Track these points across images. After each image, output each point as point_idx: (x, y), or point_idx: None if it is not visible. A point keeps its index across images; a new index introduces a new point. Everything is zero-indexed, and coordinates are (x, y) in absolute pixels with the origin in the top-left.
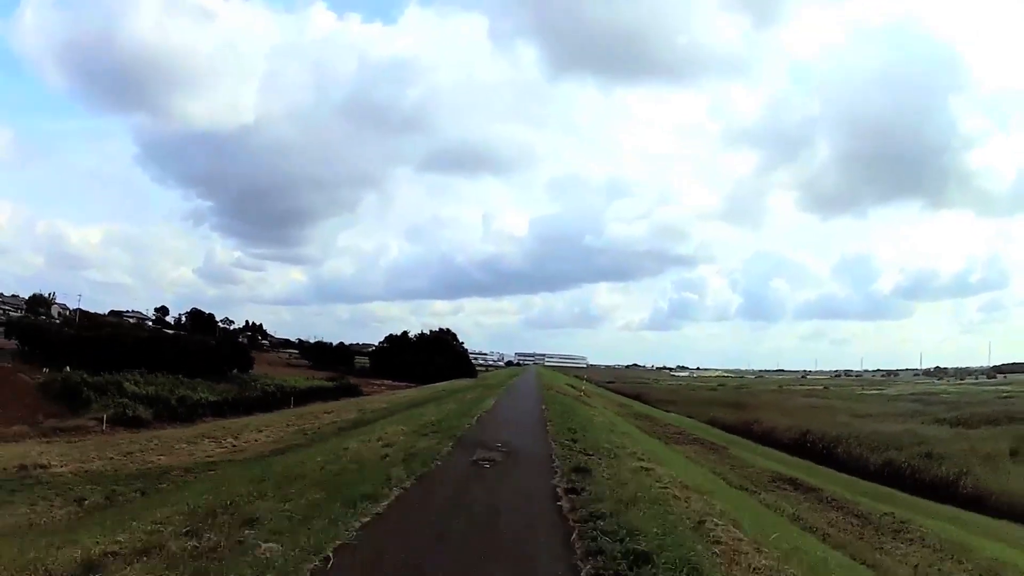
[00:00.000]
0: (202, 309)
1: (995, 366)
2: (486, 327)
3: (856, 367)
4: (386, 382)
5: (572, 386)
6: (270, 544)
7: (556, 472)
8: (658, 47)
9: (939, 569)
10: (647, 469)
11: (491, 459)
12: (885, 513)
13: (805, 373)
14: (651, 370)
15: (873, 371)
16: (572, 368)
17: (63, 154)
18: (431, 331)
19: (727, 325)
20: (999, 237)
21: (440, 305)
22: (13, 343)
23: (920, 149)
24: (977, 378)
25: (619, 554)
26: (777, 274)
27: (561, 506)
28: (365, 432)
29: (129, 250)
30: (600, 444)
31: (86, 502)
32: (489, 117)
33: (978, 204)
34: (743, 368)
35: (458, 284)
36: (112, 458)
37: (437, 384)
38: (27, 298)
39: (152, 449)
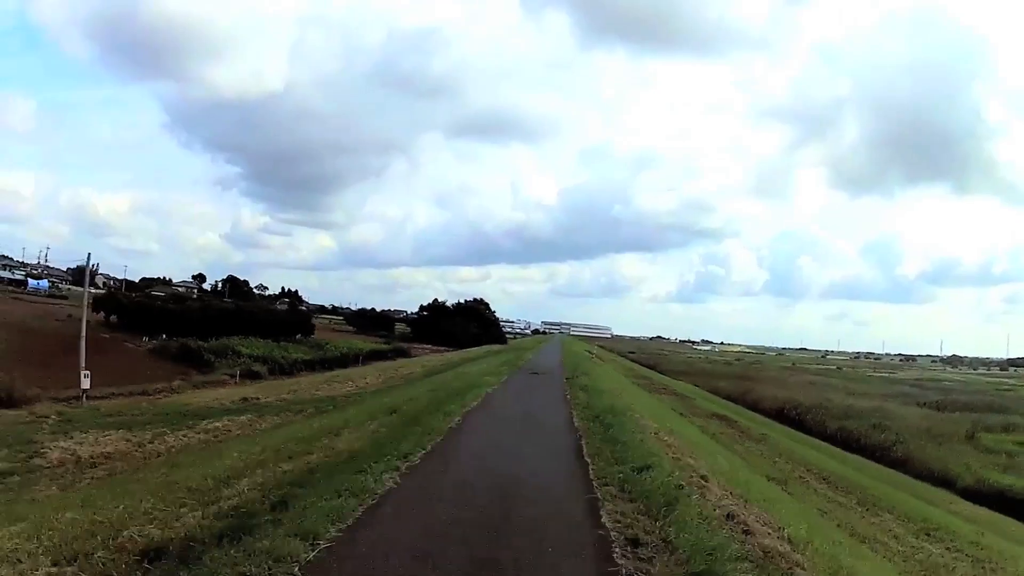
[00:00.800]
0: (233, 275)
1: (1010, 359)
2: (513, 295)
3: (878, 350)
4: (426, 346)
5: (588, 351)
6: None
7: (566, 379)
8: (688, 19)
9: (760, 452)
10: (617, 394)
11: (536, 372)
12: (763, 433)
13: (825, 353)
14: (675, 343)
15: (893, 355)
16: (596, 338)
17: (89, 123)
18: (466, 300)
19: (753, 301)
20: (1023, 228)
21: (467, 272)
22: (100, 315)
23: (946, 134)
24: (989, 369)
25: (594, 413)
26: (803, 252)
27: (566, 391)
28: (446, 375)
29: (156, 217)
30: (592, 375)
31: (304, 412)
32: (518, 85)
33: (1002, 192)
34: (767, 345)
35: (485, 251)
36: (290, 393)
37: (475, 348)
38: (69, 269)
39: (306, 389)
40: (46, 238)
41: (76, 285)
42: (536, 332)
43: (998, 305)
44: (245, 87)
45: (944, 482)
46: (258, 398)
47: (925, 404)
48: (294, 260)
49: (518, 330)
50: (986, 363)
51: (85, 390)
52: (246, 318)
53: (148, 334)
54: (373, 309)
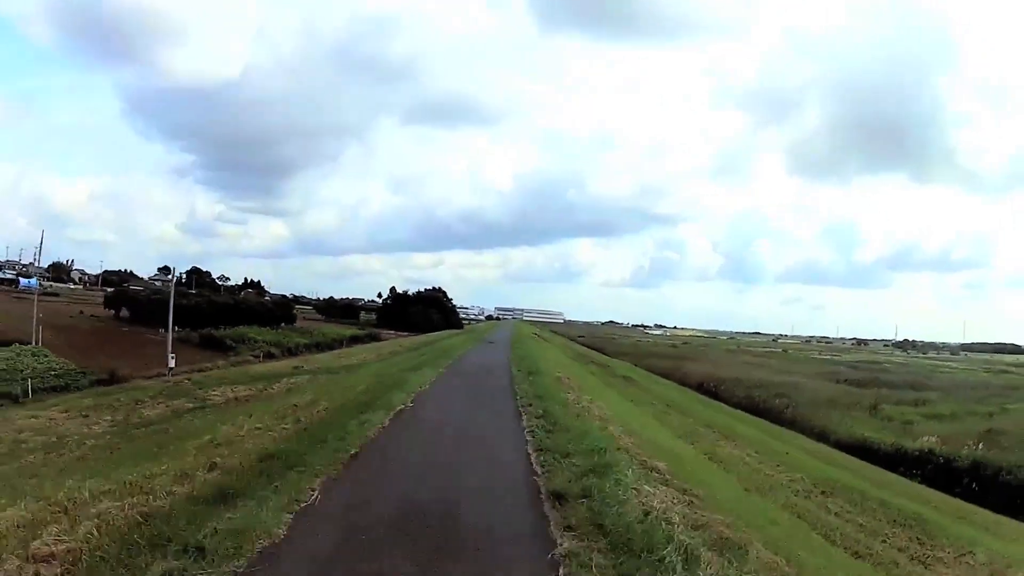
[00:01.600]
0: (196, 267)
1: (964, 344)
2: (467, 281)
3: (832, 334)
4: (392, 332)
5: (535, 333)
6: (425, 369)
7: (511, 348)
8: (649, 3)
9: (640, 396)
10: (543, 357)
11: (492, 342)
12: (649, 388)
13: (776, 337)
14: (627, 327)
15: (847, 339)
16: (549, 323)
17: (45, 111)
18: (426, 289)
19: (708, 285)
20: (983, 217)
21: (421, 258)
22: (110, 312)
23: (907, 122)
24: (939, 353)
25: (524, 369)
26: (760, 237)
27: (509, 354)
28: (427, 348)
29: (112, 206)
30: (529, 348)
31: (339, 373)
32: (477, 70)
33: (963, 182)
34: (722, 329)
35: (439, 237)
36: (320, 364)
37: (439, 332)
38: (48, 266)
39: (325, 362)
40: (3, 230)
41: (56, 282)
42: (489, 318)
43: (956, 291)
44: (202, 73)
45: (821, 437)
46: (302, 366)
47: (846, 381)
48: (249, 249)
49: (472, 316)
50: (938, 348)
51: (171, 368)
52: (244, 310)
53: (163, 327)
54: (340, 298)
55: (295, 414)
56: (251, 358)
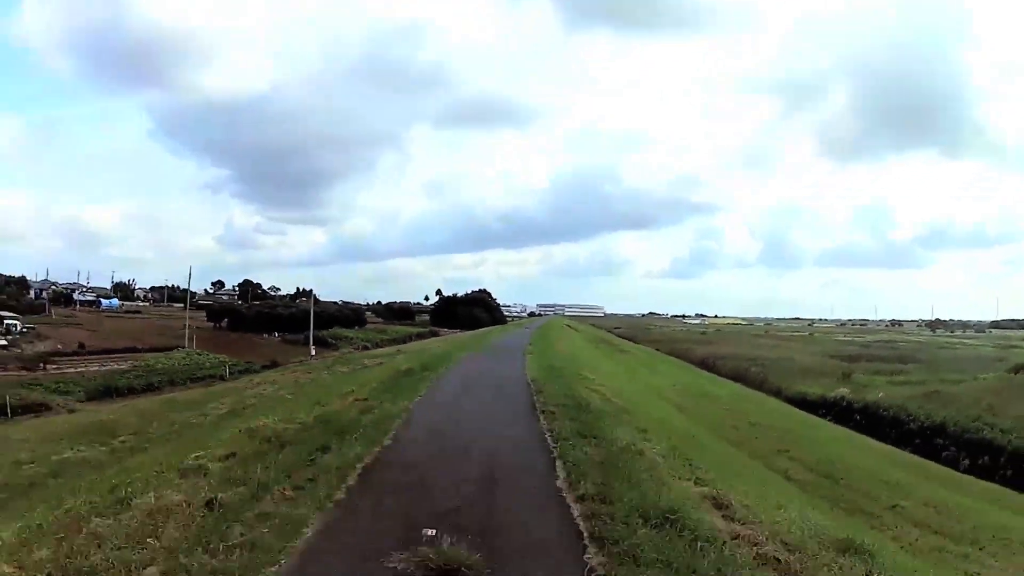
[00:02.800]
0: (248, 279)
1: (994, 321)
2: (508, 279)
3: (871, 316)
4: (446, 329)
5: (567, 324)
6: (471, 348)
7: (538, 332)
8: None
9: (634, 362)
10: (558, 341)
11: (527, 328)
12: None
13: (812, 322)
14: (666, 318)
15: (882, 321)
16: (588, 317)
17: (77, 137)
18: (473, 291)
19: (747, 272)
20: (1016, 190)
21: (462, 258)
22: (209, 322)
23: (933, 99)
24: (964, 331)
25: (540, 345)
26: (795, 222)
27: (535, 335)
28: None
29: (148, 225)
30: (552, 333)
31: (418, 352)
32: (505, 72)
33: (994, 155)
34: (761, 316)
35: (479, 237)
36: (404, 349)
37: (484, 328)
38: (111, 285)
39: (414, 349)
40: (40, 254)
41: (125, 300)
42: (532, 314)
43: (992, 268)
44: (231, 90)
45: (776, 393)
46: (400, 350)
47: (839, 356)
48: (289, 258)
49: (515, 313)
50: (969, 326)
51: (312, 355)
52: (327, 317)
53: (265, 332)
54: (391, 302)
55: (407, 365)
56: (352, 350)
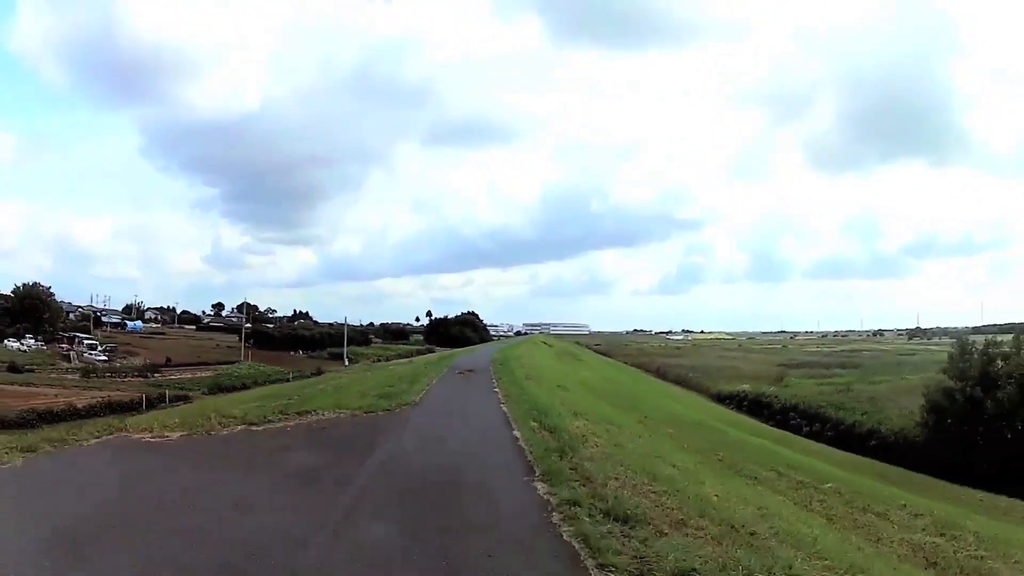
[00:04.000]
0: (247, 301)
1: (975, 327)
2: (495, 298)
3: (857, 327)
4: (437, 348)
5: (543, 341)
6: (461, 355)
7: (510, 347)
8: (659, 12)
9: (581, 366)
10: (521, 351)
11: (504, 345)
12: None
13: (794, 335)
14: (651, 335)
15: (867, 331)
16: (574, 335)
17: (65, 151)
18: (462, 313)
19: (735, 287)
20: (1003, 198)
21: (449, 278)
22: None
23: (920, 109)
24: (940, 339)
25: (506, 354)
26: (783, 234)
27: (505, 350)
28: (468, 351)
29: (136, 243)
30: (521, 347)
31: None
32: (493, 88)
33: (981, 164)
34: (748, 330)
35: (467, 256)
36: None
37: (472, 345)
38: (122, 308)
39: (419, 362)
40: (28, 271)
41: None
42: (518, 333)
43: (977, 275)
44: (221, 107)
45: (702, 391)
46: (412, 360)
47: (783, 364)
48: (276, 278)
49: (501, 332)
50: (948, 333)
51: (346, 365)
52: (337, 338)
53: (291, 350)
54: (384, 323)
55: (415, 367)
56: (370, 362)
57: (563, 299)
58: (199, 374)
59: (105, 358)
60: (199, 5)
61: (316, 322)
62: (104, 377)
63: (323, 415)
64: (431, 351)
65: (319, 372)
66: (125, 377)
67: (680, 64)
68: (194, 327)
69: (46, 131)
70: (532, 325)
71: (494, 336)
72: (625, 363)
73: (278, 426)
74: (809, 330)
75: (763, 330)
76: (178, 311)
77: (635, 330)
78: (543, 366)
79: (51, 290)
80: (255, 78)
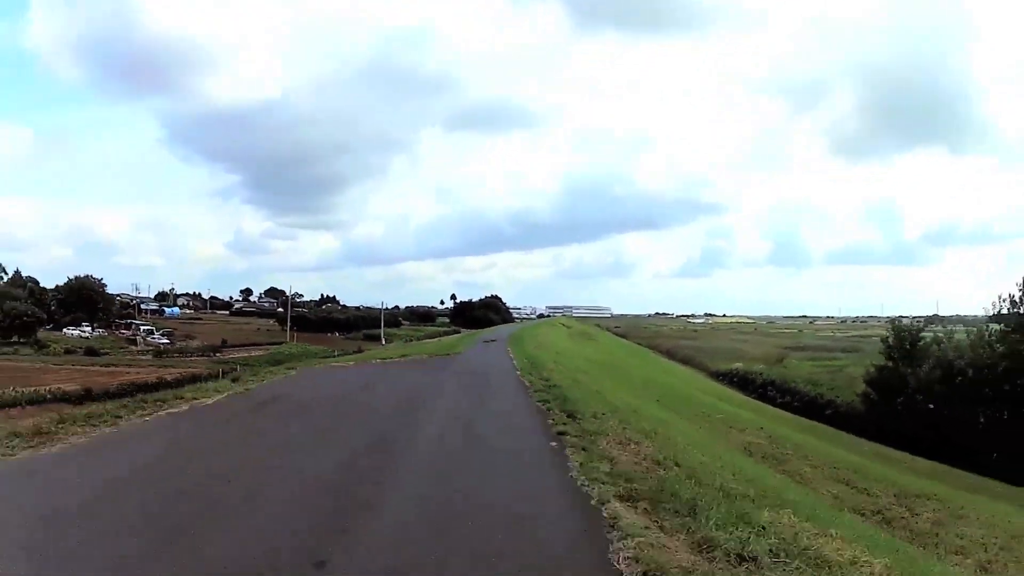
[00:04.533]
0: (273, 287)
1: (993, 315)
2: (518, 281)
3: (878, 313)
4: (463, 329)
5: (562, 323)
6: (483, 332)
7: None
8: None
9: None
10: (538, 330)
11: (524, 326)
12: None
13: (813, 320)
14: (672, 318)
15: (886, 318)
16: (596, 318)
17: (87, 145)
18: (485, 296)
19: (757, 271)
20: (1022, 187)
21: (473, 261)
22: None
23: (939, 97)
24: (955, 327)
25: (523, 333)
26: (805, 220)
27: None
28: (492, 330)
29: (158, 231)
30: (539, 327)
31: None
32: (514, 75)
33: (999, 152)
34: (770, 315)
35: (490, 239)
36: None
37: (495, 326)
38: (155, 295)
39: (456, 338)
40: (49, 262)
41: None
42: (541, 316)
43: (997, 263)
44: (241, 96)
45: (703, 369)
46: (440, 340)
47: (787, 347)
48: (299, 262)
49: (524, 315)
50: (965, 321)
51: (384, 344)
52: (369, 320)
53: (327, 332)
54: (419, 307)
55: (452, 340)
56: (404, 342)
57: (586, 281)
58: (253, 353)
59: (168, 341)
60: None
61: (344, 306)
62: (174, 357)
63: (417, 357)
64: (456, 332)
65: (359, 351)
66: (191, 356)
67: (701, 51)
68: (227, 312)
69: (65, 125)
70: (555, 308)
71: (516, 318)
72: (639, 344)
73: (400, 361)
74: (830, 315)
75: (785, 314)
76: (205, 297)
77: (656, 313)
78: (553, 343)
79: (103, 281)
80: (276, 67)
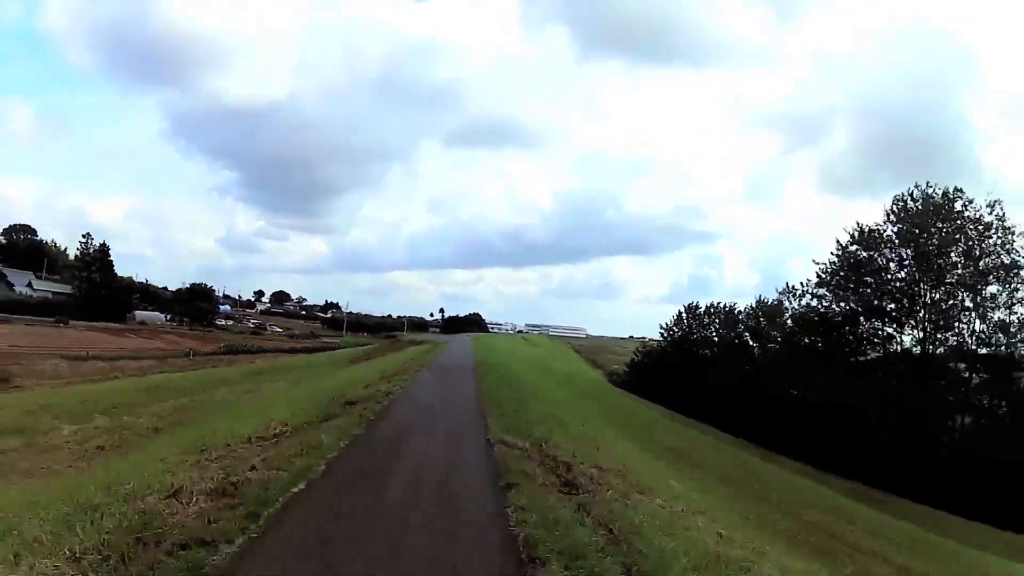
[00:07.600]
0: (281, 291)
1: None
2: (506, 296)
3: None
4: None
5: (524, 337)
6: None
7: (493, 339)
8: (684, 34)
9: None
10: (494, 341)
11: (493, 336)
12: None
13: None
14: (645, 341)
15: None
16: (571, 338)
17: (89, 130)
18: (469, 313)
19: (744, 301)
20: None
21: (461, 274)
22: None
23: (934, 140)
24: None
25: (483, 343)
26: (794, 254)
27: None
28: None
29: (151, 222)
30: (500, 339)
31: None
32: (517, 95)
33: (990, 195)
34: None
35: (480, 254)
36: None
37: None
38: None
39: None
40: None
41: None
42: (519, 332)
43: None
44: (247, 95)
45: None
46: (434, 341)
47: None
48: (288, 264)
49: (505, 330)
50: None
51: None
52: (388, 325)
53: (358, 332)
54: (415, 317)
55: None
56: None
57: (570, 301)
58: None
59: (281, 330)
60: None
61: (352, 312)
62: (295, 339)
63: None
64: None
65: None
66: (304, 339)
67: (700, 84)
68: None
69: (68, 108)
70: (533, 326)
71: (493, 332)
72: (580, 355)
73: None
74: None
75: None
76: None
77: (630, 336)
78: (498, 346)
79: (212, 287)
80: (283, 70)
